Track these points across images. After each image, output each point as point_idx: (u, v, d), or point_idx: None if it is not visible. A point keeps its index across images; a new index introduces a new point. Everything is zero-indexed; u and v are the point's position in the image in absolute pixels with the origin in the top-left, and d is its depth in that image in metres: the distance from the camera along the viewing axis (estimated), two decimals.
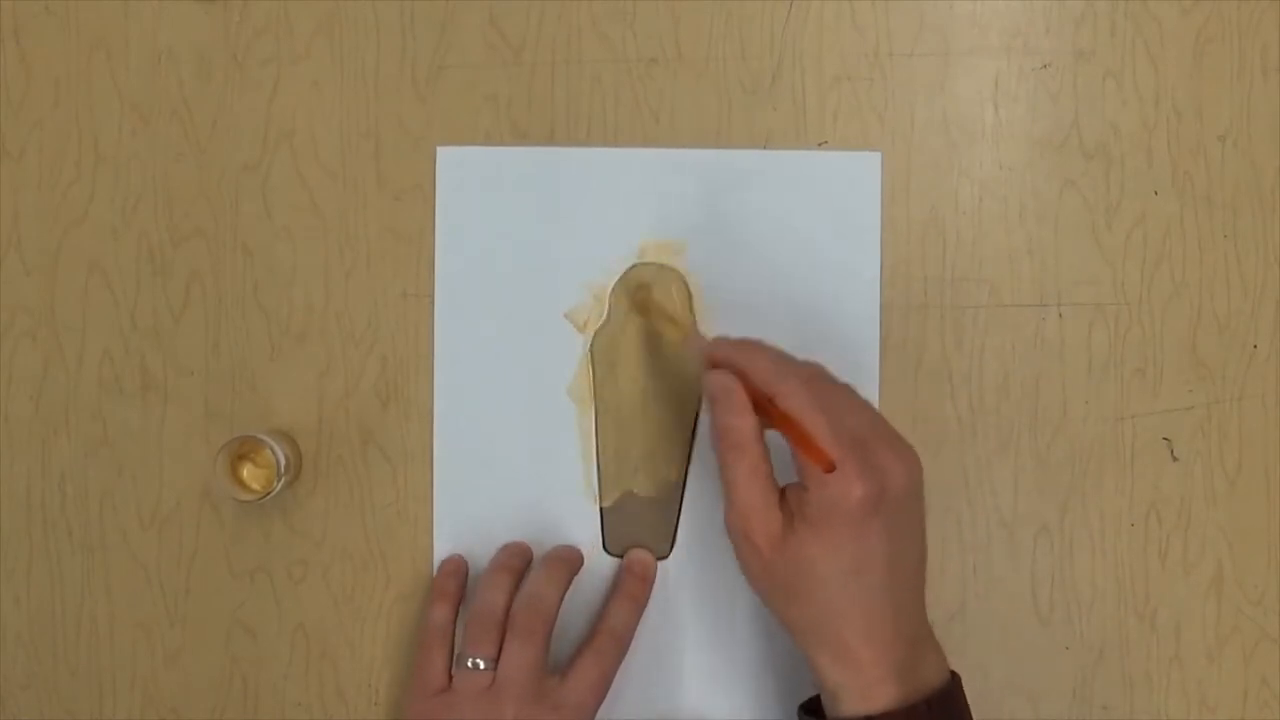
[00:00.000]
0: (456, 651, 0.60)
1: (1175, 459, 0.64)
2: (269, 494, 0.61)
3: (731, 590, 0.64)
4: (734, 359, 0.55)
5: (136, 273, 0.65)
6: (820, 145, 0.64)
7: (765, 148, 0.64)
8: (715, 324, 0.64)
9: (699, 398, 0.64)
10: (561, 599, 0.60)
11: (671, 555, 0.64)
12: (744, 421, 0.54)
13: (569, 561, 0.62)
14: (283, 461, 0.61)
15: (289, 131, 0.65)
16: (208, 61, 0.65)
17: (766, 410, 0.54)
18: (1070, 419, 0.64)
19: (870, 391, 0.64)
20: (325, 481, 0.64)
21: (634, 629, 0.62)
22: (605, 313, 0.64)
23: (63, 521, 0.65)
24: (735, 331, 0.63)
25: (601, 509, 0.64)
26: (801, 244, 0.64)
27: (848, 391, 0.56)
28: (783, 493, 0.54)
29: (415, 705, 0.60)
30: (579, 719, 0.59)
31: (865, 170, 0.64)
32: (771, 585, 0.54)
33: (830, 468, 0.51)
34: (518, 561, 0.62)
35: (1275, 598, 0.64)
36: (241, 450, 0.63)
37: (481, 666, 0.58)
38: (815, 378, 0.55)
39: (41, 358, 0.65)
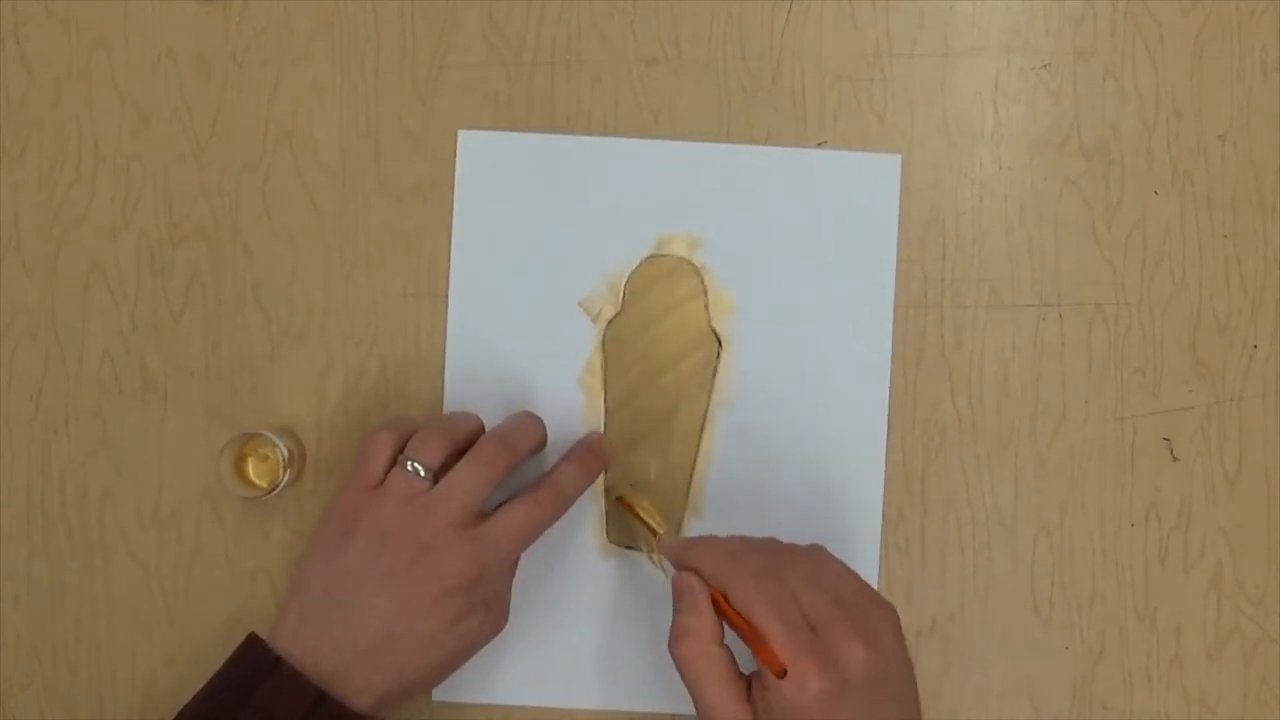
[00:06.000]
0: (402, 455, 0.58)
1: (1175, 459, 0.64)
2: (275, 489, 0.62)
3: None
4: (688, 559, 0.55)
5: (136, 273, 0.65)
6: (820, 145, 0.64)
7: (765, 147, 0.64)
8: (729, 319, 0.64)
9: (708, 392, 0.64)
10: (531, 452, 0.60)
11: None
12: (701, 623, 0.53)
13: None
14: (286, 455, 0.61)
15: (289, 131, 0.65)
16: (208, 61, 0.65)
17: (723, 610, 0.53)
18: (1070, 419, 0.64)
19: (881, 390, 0.64)
20: (326, 482, 0.64)
21: (578, 493, 0.60)
22: (620, 303, 0.64)
23: (63, 521, 0.65)
24: (751, 327, 0.64)
25: (606, 498, 0.64)
26: (818, 242, 0.64)
27: (807, 566, 0.54)
28: (750, 683, 0.52)
29: (344, 495, 0.58)
30: (496, 560, 0.57)
31: (884, 172, 0.64)
32: None
33: (781, 673, 0.50)
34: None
35: (1275, 598, 0.64)
36: (245, 448, 0.63)
37: (421, 473, 0.57)
38: (767, 568, 0.53)
39: (41, 358, 0.65)
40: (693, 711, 0.64)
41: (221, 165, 0.65)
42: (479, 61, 0.65)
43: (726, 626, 0.53)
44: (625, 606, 0.64)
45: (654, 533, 0.60)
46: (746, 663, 0.53)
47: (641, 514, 0.61)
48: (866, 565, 0.64)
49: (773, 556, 0.54)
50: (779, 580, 0.52)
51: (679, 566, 0.56)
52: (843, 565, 0.55)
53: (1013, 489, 0.64)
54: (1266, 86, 0.64)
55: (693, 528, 0.64)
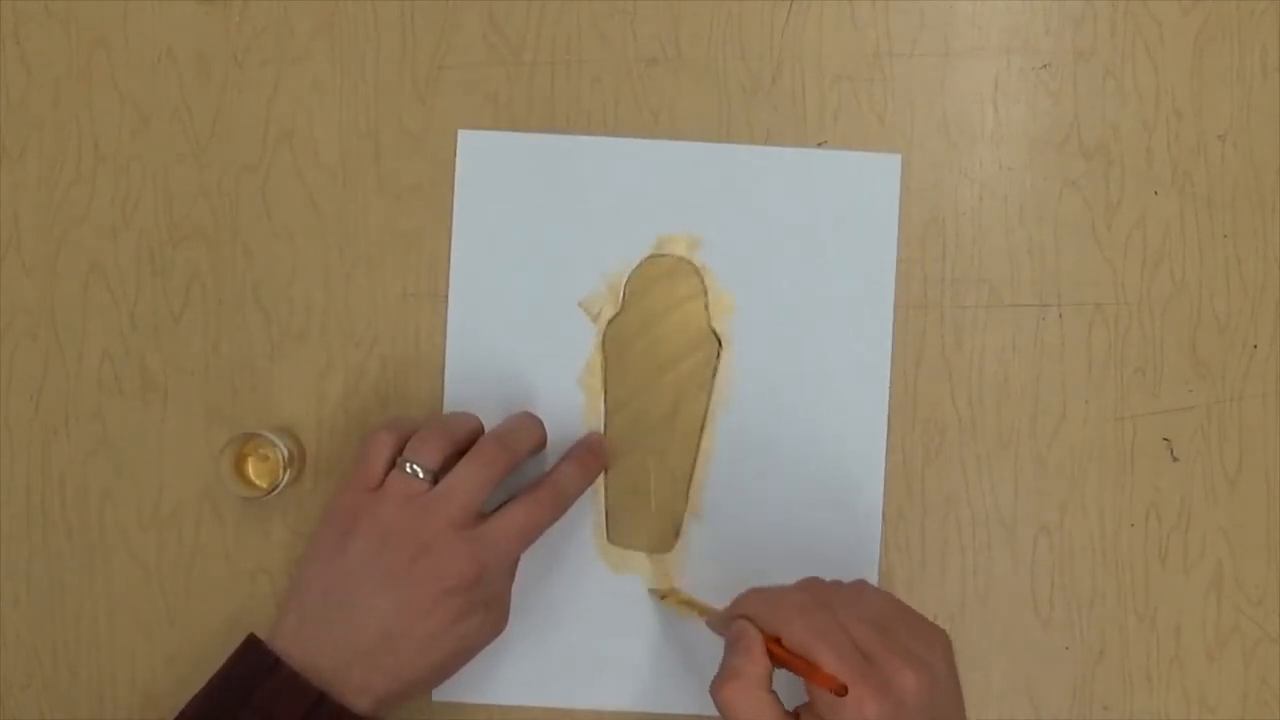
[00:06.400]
0: (401, 457, 0.58)
1: (1175, 459, 0.64)
2: (275, 489, 0.62)
3: (735, 585, 0.63)
4: (738, 610, 0.55)
5: (136, 273, 0.65)
6: (820, 145, 0.64)
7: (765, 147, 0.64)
8: (729, 319, 0.64)
9: (708, 392, 0.64)
10: (530, 453, 0.60)
11: (674, 549, 0.64)
12: (754, 666, 0.52)
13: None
14: (286, 455, 0.61)
15: (289, 131, 0.65)
16: (208, 61, 0.65)
17: (775, 654, 0.53)
18: (1070, 419, 0.64)
19: (881, 390, 0.64)
20: (326, 482, 0.64)
21: (578, 493, 0.61)
22: (620, 303, 0.64)
23: (63, 521, 0.65)
24: (751, 327, 0.64)
25: (606, 498, 0.64)
26: (818, 242, 0.64)
27: (852, 600, 0.54)
28: (797, 718, 0.52)
29: (343, 496, 0.58)
30: (495, 560, 0.57)
31: (884, 172, 0.64)
32: None
33: (842, 691, 0.50)
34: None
35: (1275, 598, 0.64)
36: (245, 448, 0.63)
37: (420, 475, 0.57)
38: (812, 605, 0.53)
39: (41, 358, 0.65)
40: (692, 711, 0.64)
41: (221, 165, 0.65)
42: (479, 61, 0.65)
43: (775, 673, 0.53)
44: (625, 606, 0.64)
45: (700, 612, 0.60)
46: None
47: (688, 608, 0.61)
48: (867, 565, 0.64)
49: (816, 592, 0.54)
50: (827, 613, 0.52)
51: (730, 619, 0.55)
52: (887, 594, 0.55)
53: (1013, 489, 0.64)
54: (1266, 86, 0.64)
55: (692, 528, 0.64)
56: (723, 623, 0.56)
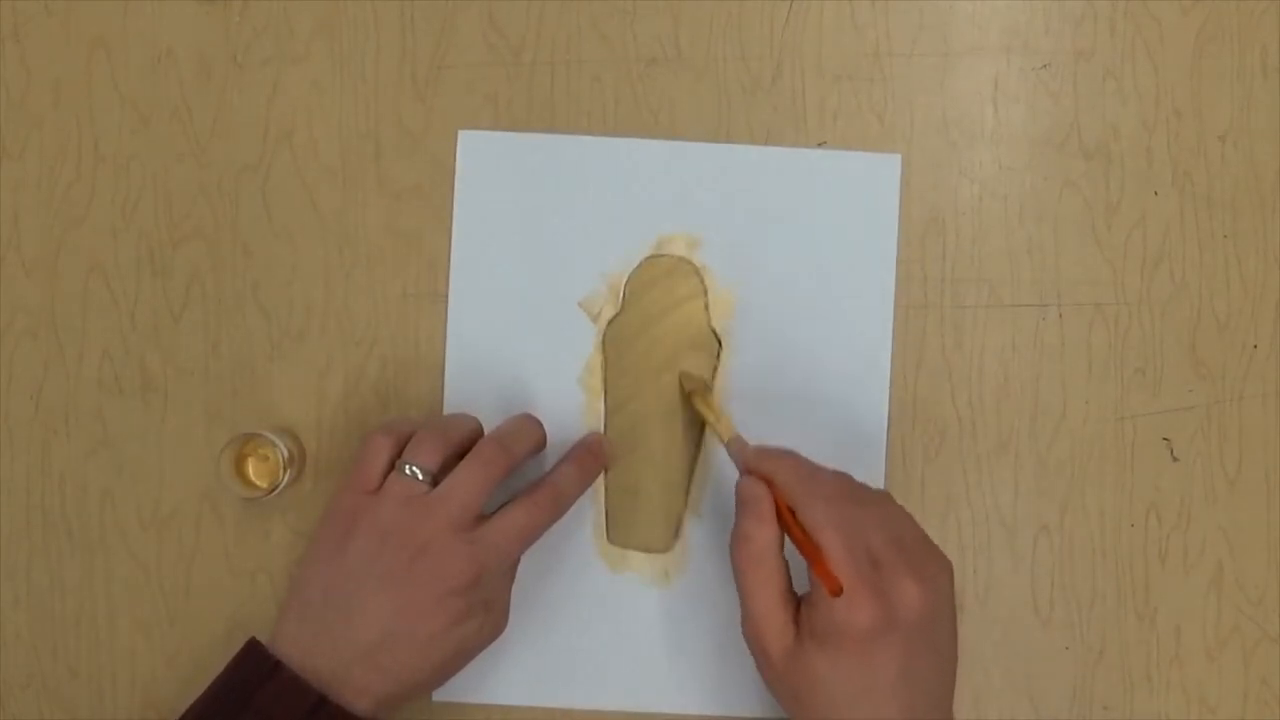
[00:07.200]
0: (400, 459, 0.58)
1: (1175, 459, 0.64)
2: (275, 489, 0.61)
3: (734, 586, 0.64)
4: (764, 467, 0.56)
5: (136, 273, 0.65)
6: (820, 145, 0.64)
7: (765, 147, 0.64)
8: (729, 319, 0.64)
9: (708, 393, 0.64)
10: (530, 454, 0.60)
11: (674, 549, 0.64)
12: (764, 531, 0.54)
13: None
14: (286, 455, 0.61)
15: (289, 131, 0.65)
16: (208, 61, 0.65)
17: (788, 524, 0.54)
18: (1070, 419, 0.64)
19: (881, 390, 0.64)
20: (326, 482, 0.64)
21: (577, 494, 0.60)
22: (620, 303, 0.64)
23: (63, 521, 0.65)
24: (751, 327, 0.64)
25: (606, 498, 0.64)
26: (818, 243, 0.64)
27: (877, 506, 0.55)
28: (800, 601, 0.54)
29: (342, 497, 0.58)
30: (495, 561, 0.57)
31: (884, 172, 0.64)
32: (783, 692, 0.55)
33: (836, 591, 0.51)
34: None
35: (1275, 598, 0.64)
36: (245, 448, 0.63)
37: (419, 476, 0.57)
38: (840, 495, 0.54)
39: (41, 358, 0.65)
40: (691, 711, 0.64)
41: (221, 165, 0.65)
42: (479, 61, 0.65)
43: (787, 541, 0.54)
44: (624, 607, 0.64)
45: (721, 432, 0.60)
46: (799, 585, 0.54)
47: (709, 416, 0.61)
48: None
49: (848, 487, 0.56)
50: (851, 508, 0.54)
51: (749, 471, 0.57)
52: (907, 513, 0.56)
53: (1013, 489, 0.64)
54: (1266, 86, 0.64)
55: (692, 528, 0.64)
56: (741, 458, 0.58)
